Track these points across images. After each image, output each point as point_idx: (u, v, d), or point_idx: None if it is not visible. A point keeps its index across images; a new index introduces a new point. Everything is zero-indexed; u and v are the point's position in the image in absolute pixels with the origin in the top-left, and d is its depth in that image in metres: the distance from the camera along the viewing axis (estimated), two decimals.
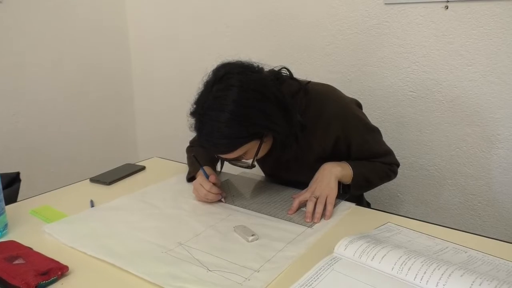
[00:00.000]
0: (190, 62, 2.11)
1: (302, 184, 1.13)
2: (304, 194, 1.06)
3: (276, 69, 1.11)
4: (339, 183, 1.08)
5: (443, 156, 1.51)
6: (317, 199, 1.02)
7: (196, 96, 1.00)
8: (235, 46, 1.91)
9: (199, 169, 1.14)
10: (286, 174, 1.21)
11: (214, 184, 1.10)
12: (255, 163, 1.06)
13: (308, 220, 1.00)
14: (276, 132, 1.00)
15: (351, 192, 1.12)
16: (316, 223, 0.99)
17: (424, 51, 1.46)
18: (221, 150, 0.99)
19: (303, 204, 1.06)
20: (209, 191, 1.08)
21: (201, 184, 1.09)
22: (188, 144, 1.34)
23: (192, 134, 1.37)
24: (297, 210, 1.05)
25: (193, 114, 0.99)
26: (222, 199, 1.12)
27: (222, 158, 1.06)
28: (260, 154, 1.03)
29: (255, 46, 1.85)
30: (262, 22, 1.82)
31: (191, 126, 1.00)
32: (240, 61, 1.02)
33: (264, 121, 0.96)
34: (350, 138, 1.11)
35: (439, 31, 1.42)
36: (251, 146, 0.99)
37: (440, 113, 1.48)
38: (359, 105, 1.23)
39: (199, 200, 1.11)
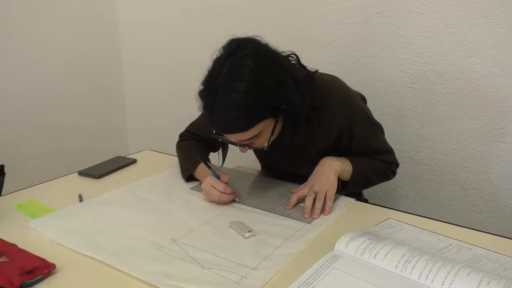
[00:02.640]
0: (183, 52, 2.06)
1: (300, 178, 1.09)
2: (303, 189, 1.03)
3: (283, 54, 1.06)
4: (338, 179, 1.05)
5: (444, 150, 1.48)
6: (316, 194, 0.99)
7: (206, 74, 0.93)
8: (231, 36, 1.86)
9: (197, 166, 1.10)
10: (288, 167, 1.18)
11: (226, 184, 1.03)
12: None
13: (307, 216, 0.96)
14: (293, 105, 0.94)
15: (349, 189, 1.09)
16: (315, 219, 0.96)
17: (426, 41, 1.42)
18: (236, 127, 0.91)
19: (302, 199, 1.02)
20: (223, 193, 1.01)
21: (213, 186, 1.02)
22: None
23: (185, 126, 1.32)
24: (295, 205, 1.02)
25: (203, 91, 0.92)
26: (236, 199, 1.05)
27: (233, 142, 0.97)
28: (274, 136, 0.98)
29: (252, 35, 1.80)
30: (258, 11, 1.77)
31: (200, 107, 0.94)
32: (249, 37, 0.98)
33: (281, 91, 0.92)
34: (353, 129, 1.07)
35: (441, 21, 1.38)
36: (266, 125, 0.94)
37: (441, 106, 1.45)
38: (364, 99, 1.21)
39: (210, 202, 1.04)
